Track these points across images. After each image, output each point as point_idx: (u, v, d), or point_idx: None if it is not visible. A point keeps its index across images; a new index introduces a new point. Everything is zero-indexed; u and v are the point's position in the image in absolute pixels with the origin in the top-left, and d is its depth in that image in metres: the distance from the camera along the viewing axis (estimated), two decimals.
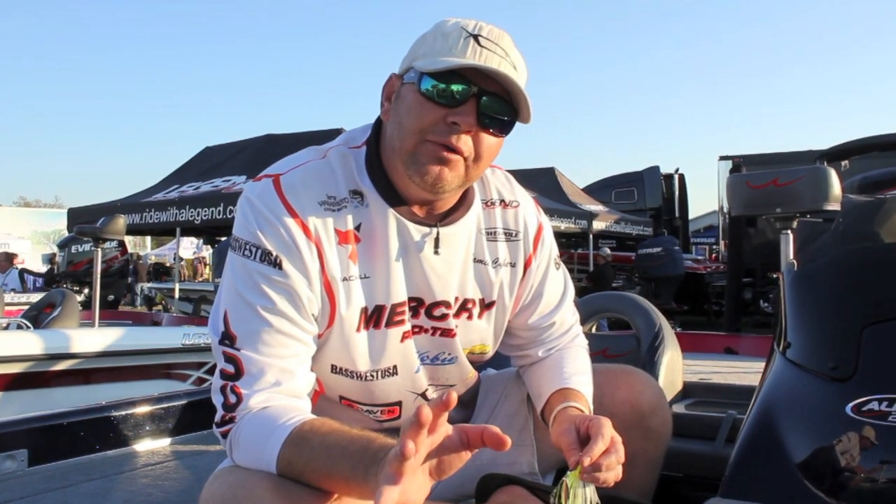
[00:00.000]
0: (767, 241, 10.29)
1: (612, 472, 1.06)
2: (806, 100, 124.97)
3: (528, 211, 1.34)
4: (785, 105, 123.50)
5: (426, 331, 1.25)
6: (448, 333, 1.26)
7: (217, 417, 1.09)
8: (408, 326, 1.22)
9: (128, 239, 15.66)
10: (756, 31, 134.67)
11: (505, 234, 1.30)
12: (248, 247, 1.11)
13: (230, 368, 1.08)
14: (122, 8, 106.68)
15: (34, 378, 4.01)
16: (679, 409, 2.16)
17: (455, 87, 1.08)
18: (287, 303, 1.10)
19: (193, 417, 2.26)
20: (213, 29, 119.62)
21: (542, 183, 13.98)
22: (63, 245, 13.08)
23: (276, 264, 1.10)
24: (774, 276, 9.87)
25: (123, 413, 2.14)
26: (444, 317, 1.24)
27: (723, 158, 14.26)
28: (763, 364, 1.50)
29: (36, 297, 7.00)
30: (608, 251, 13.69)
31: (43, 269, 15.68)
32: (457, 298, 1.25)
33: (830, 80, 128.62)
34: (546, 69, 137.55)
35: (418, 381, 1.27)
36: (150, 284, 15.70)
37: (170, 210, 10.62)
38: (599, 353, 2.45)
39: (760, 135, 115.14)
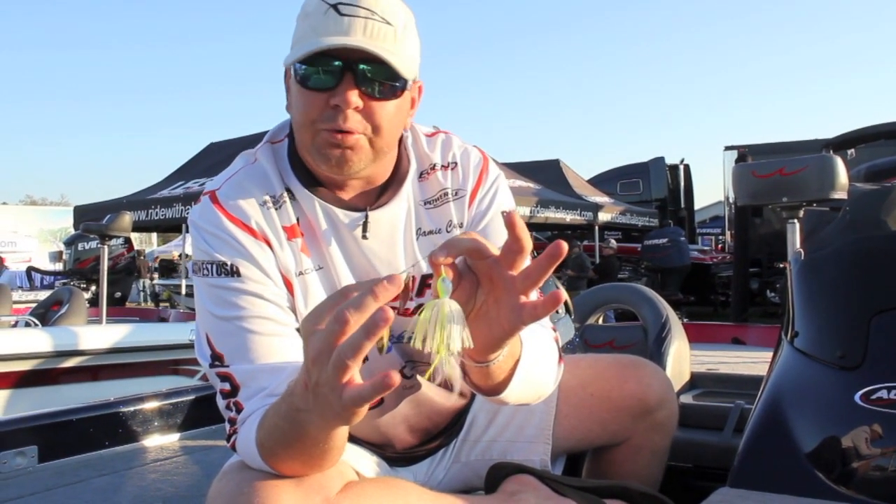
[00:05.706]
0: (774, 230, 10.24)
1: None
2: (812, 88, 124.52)
3: (469, 162, 1.25)
4: (791, 94, 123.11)
5: None
6: (405, 313, 1.21)
7: (227, 434, 1.08)
8: None
9: (134, 236, 15.73)
10: (761, 19, 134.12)
11: (452, 193, 1.23)
12: (203, 266, 1.10)
13: (227, 386, 1.07)
14: (127, 3, 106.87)
15: (43, 375, 4.04)
16: (687, 399, 2.16)
17: (326, 69, 1.04)
18: (257, 305, 1.09)
19: (202, 413, 2.27)
20: (217, 25, 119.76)
21: (547, 175, 13.97)
22: (69, 243, 13.15)
23: (234, 272, 1.09)
24: (781, 265, 9.85)
25: (132, 409, 2.15)
26: (395, 297, 1.20)
27: (728, 148, 14.21)
28: (771, 354, 1.49)
29: (44, 295, 7.04)
30: (614, 243, 13.68)
31: (50, 266, 15.75)
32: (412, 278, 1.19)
33: (836, 68, 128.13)
34: (550, 61, 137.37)
35: (394, 360, 1.25)
36: (156, 281, 15.75)
37: (175, 206, 10.64)
38: (607, 343, 2.45)
39: (766, 124, 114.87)
